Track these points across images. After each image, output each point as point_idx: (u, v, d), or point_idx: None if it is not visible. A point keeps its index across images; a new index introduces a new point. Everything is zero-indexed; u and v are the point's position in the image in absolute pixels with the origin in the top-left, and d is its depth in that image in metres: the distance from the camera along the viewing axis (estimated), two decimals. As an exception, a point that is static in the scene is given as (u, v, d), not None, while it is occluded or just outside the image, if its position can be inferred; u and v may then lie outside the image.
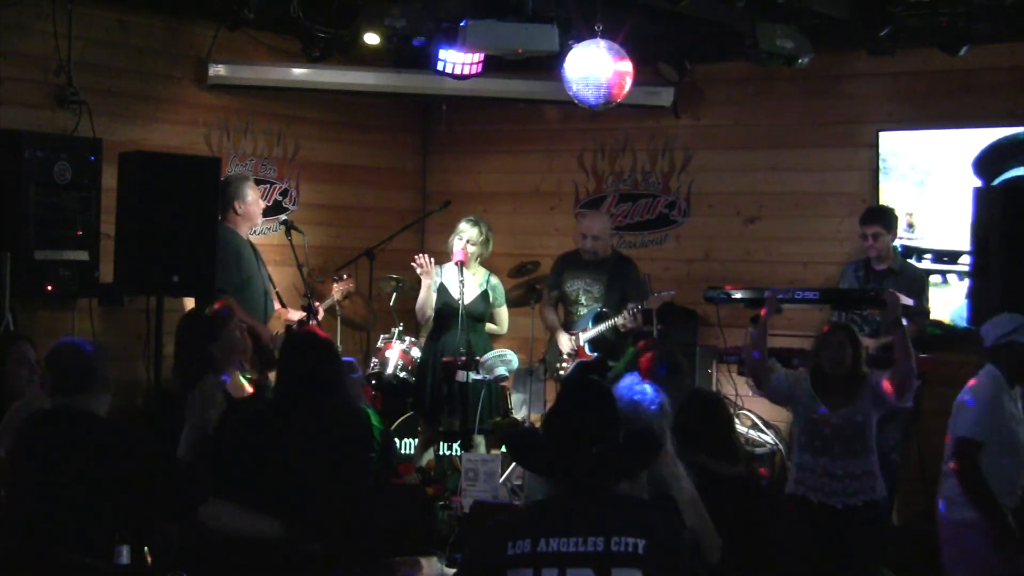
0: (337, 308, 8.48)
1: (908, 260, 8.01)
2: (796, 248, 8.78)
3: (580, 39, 7.26)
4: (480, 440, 8.01)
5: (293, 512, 4.52)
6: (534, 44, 7.22)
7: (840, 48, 8.35)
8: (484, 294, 8.27)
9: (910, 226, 8.20)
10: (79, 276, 7.30)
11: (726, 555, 4.38)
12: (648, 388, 4.55)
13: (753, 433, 8.35)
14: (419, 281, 8.23)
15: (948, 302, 8.11)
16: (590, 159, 9.63)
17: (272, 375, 6.18)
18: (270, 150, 9.05)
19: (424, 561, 5.39)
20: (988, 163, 8.02)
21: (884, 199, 8.29)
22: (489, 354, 8.10)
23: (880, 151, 8.35)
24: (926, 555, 6.42)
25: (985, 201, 6.77)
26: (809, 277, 8.55)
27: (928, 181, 8.29)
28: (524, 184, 9.91)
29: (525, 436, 3.65)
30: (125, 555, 4.08)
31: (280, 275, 8.31)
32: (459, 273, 8.09)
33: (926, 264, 8.09)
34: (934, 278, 8.04)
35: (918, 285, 7.76)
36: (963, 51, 7.48)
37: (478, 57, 7.98)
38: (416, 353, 8.41)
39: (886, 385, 6.05)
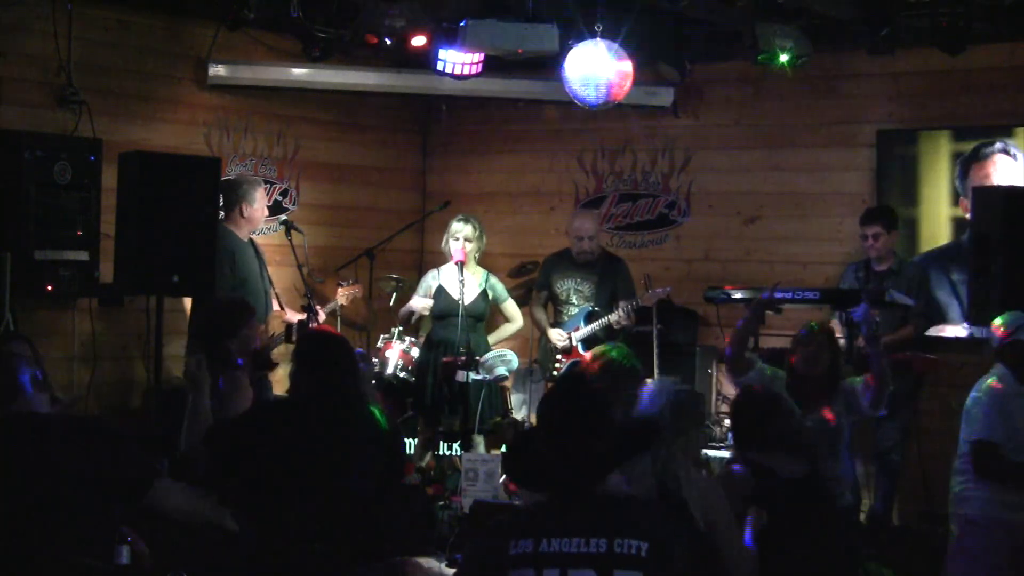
0: (337, 309, 8.48)
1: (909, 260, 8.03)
2: (796, 248, 8.78)
3: (580, 39, 7.26)
4: (479, 440, 8.01)
5: (297, 511, 4.52)
6: (534, 44, 7.23)
7: (840, 48, 8.35)
8: (483, 293, 8.29)
9: None
10: (79, 276, 7.30)
11: (780, 558, 4.35)
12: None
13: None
14: (418, 281, 8.25)
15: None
16: (590, 159, 9.63)
17: (271, 375, 6.20)
18: (270, 150, 9.05)
19: (424, 561, 5.39)
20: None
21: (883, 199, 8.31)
22: (489, 354, 8.12)
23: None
24: (926, 555, 6.43)
25: (985, 201, 6.77)
26: (809, 277, 8.55)
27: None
28: (524, 184, 9.90)
29: (520, 449, 3.61)
30: (125, 555, 4.07)
31: (280, 275, 8.32)
32: (459, 273, 8.10)
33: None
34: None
35: (918, 285, 7.77)
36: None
37: (478, 57, 7.99)
38: (416, 353, 8.42)
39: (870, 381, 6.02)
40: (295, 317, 7.98)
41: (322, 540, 4.50)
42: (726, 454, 6.95)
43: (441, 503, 6.17)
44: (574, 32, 7.37)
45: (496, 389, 8.18)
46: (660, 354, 7.86)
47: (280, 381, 6.50)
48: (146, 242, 6.84)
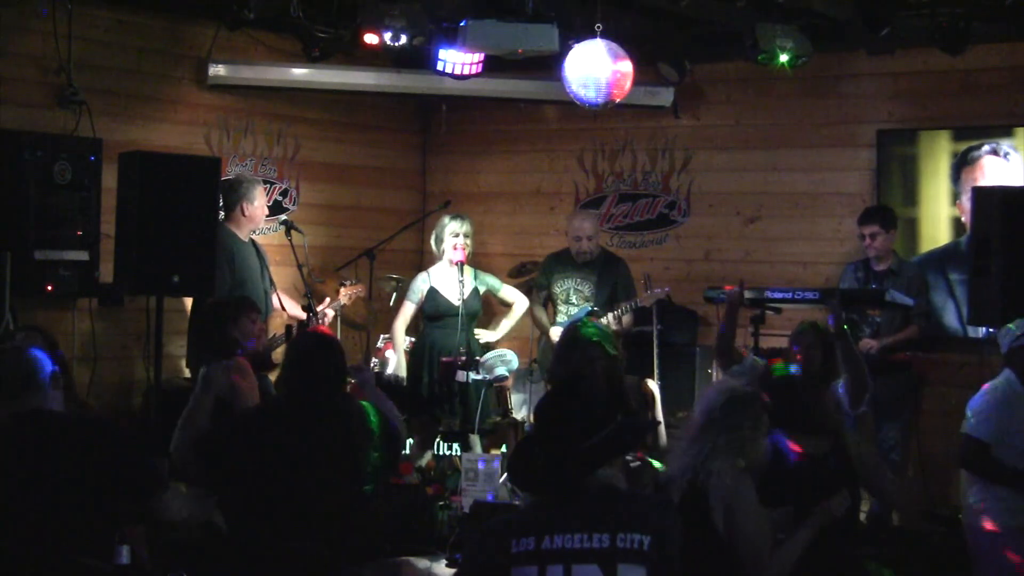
0: (338, 309, 8.48)
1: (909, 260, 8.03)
2: (796, 248, 8.78)
3: (580, 39, 7.26)
4: (476, 440, 8.01)
5: (296, 512, 4.52)
6: (534, 44, 7.23)
7: (840, 48, 8.35)
8: (475, 291, 8.29)
9: None
10: (79, 276, 7.31)
11: None
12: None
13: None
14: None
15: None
16: (590, 159, 9.63)
17: (272, 376, 6.21)
18: (270, 150, 9.05)
19: (424, 561, 5.39)
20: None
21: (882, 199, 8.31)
22: (489, 354, 8.12)
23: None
24: (926, 555, 6.43)
25: (985, 201, 6.76)
26: (809, 277, 8.55)
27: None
28: (524, 184, 9.90)
29: (523, 455, 3.61)
30: (125, 555, 4.08)
31: (280, 275, 8.32)
32: (459, 273, 8.10)
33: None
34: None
35: (917, 285, 7.77)
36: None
37: (478, 57, 7.99)
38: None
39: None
40: (298, 312, 7.97)
41: (314, 540, 4.50)
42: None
43: (441, 503, 6.16)
44: (574, 32, 7.37)
45: (491, 388, 8.18)
46: (660, 354, 7.86)
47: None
48: (146, 242, 6.83)
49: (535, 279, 8.61)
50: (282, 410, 4.81)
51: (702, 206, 9.20)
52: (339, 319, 8.55)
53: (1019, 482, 5.56)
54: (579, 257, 8.24)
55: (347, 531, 4.61)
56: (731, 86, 9.09)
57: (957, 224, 8.16)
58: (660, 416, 6.27)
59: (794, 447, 4.96)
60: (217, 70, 8.48)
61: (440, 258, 8.31)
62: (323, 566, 4.52)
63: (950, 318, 8.10)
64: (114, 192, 7.15)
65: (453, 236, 8.19)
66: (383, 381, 8.31)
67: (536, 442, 3.50)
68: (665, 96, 8.97)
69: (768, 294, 6.99)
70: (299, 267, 8.07)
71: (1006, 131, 8.02)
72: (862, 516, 7.30)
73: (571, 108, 7.93)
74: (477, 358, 7.97)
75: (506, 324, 8.61)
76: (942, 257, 8.17)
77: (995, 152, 7.99)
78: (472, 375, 7.87)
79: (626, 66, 7.23)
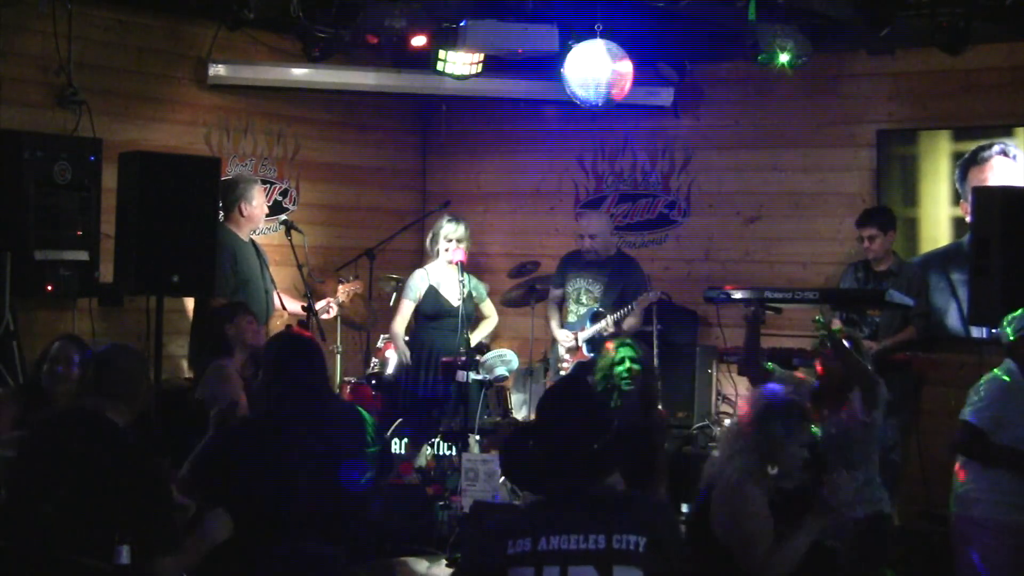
0: (337, 306, 8.47)
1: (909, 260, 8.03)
2: (796, 248, 8.78)
3: (580, 39, 7.26)
4: (473, 440, 8.00)
5: (295, 515, 4.52)
6: (534, 44, 7.24)
7: (840, 48, 8.35)
8: (469, 293, 8.27)
9: None
10: (79, 276, 7.31)
11: None
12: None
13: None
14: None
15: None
16: (590, 159, 9.63)
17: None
18: (270, 150, 9.05)
19: (414, 561, 5.39)
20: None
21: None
22: (489, 354, 8.12)
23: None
24: (926, 555, 6.42)
25: (985, 201, 6.76)
26: (809, 277, 8.55)
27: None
28: (524, 184, 9.90)
29: (516, 449, 3.61)
30: (125, 555, 4.07)
31: (280, 275, 8.31)
32: (459, 274, 8.10)
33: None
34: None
35: (917, 286, 7.77)
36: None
37: (478, 57, 7.99)
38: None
39: None
40: (299, 310, 7.96)
41: (312, 540, 4.50)
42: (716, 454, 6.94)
43: (441, 503, 6.17)
44: (574, 32, 7.37)
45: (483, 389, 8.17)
46: (660, 354, 7.86)
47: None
48: (146, 242, 6.83)
49: (552, 278, 8.59)
50: (273, 414, 4.79)
51: (702, 206, 9.20)
52: (339, 319, 8.55)
53: (1017, 460, 5.56)
54: (587, 255, 8.26)
55: (343, 531, 4.60)
56: (731, 86, 9.09)
57: (957, 224, 8.16)
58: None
59: None
60: (217, 70, 8.48)
61: (434, 257, 8.30)
62: (321, 566, 4.52)
63: (952, 318, 8.10)
64: (114, 192, 7.15)
65: (447, 240, 8.19)
66: (384, 381, 8.32)
67: (535, 440, 3.49)
68: (665, 96, 8.97)
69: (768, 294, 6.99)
70: (299, 267, 8.06)
71: (1006, 131, 8.02)
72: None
73: (571, 108, 7.93)
74: (477, 358, 7.97)
75: (473, 338, 8.50)
76: (944, 257, 8.18)
77: (1004, 153, 7.99)
78: (472, 375, 7.87)
79: (626, 66, 7.23)
